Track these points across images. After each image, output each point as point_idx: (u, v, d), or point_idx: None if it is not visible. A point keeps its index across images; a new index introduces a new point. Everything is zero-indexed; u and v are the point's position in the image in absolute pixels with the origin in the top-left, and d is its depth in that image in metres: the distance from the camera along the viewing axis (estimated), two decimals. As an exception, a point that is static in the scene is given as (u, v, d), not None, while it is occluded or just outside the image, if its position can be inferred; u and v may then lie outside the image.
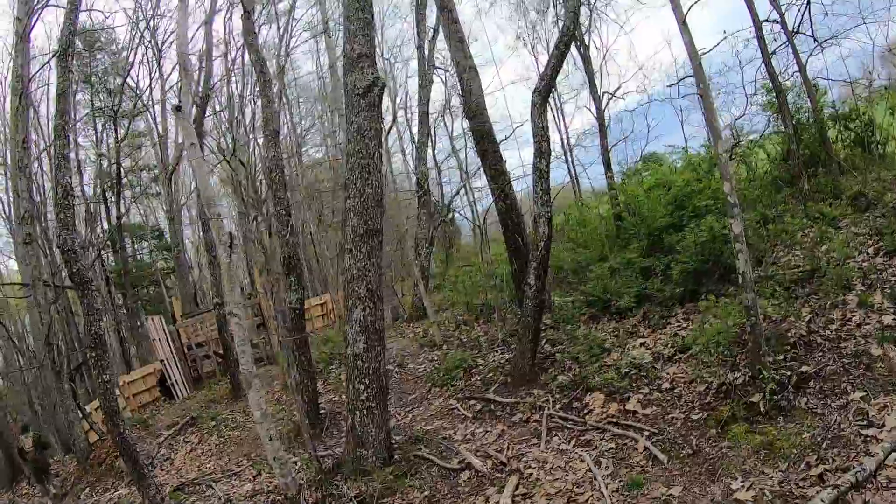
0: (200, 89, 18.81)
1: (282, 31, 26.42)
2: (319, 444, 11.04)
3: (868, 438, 5.90)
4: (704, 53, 7.36)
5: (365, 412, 8.27)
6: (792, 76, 14.81)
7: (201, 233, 28.87)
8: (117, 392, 21.41)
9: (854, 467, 5.47)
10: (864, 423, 6.09)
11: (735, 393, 7.09)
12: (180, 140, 20.63)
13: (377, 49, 29.47)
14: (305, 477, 8.68)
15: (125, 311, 29.84)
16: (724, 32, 16.54)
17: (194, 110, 17.96)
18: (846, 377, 6.75)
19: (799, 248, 10.49)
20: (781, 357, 7.30)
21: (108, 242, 30.82)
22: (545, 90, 10.08)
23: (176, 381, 21.62)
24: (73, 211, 11.09)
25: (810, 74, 14.36)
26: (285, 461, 8.22)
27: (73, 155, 29.42)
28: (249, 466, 11.25)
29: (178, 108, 9.09)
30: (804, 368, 7.02)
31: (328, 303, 28.56)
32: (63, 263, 12.68)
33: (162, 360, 21.63)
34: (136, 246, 35.47)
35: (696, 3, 7.30)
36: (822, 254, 9.75)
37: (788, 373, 6.95)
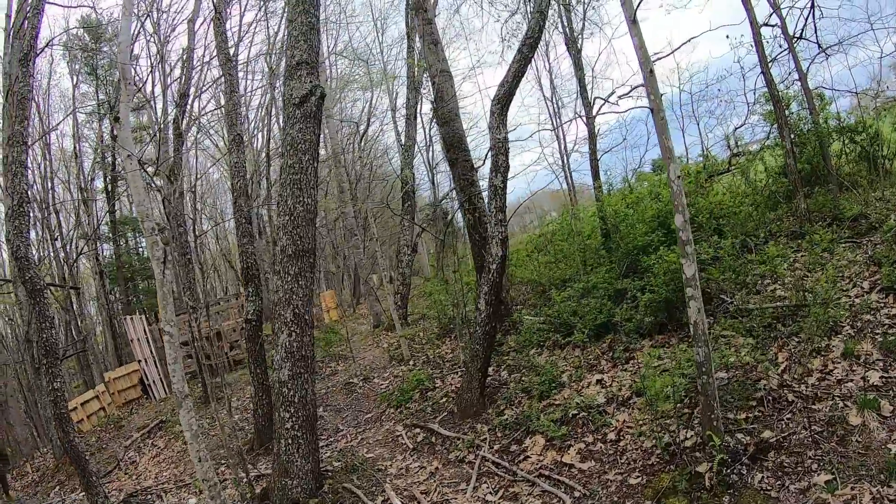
0: (179, 88, 18.43)
1: (277, 28, 25.84)
2: (267, 460, 10.66)
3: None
4: (658, 59, 6.48)
5: (290, 441, 7.84)
6: (793, 84, 13.88)
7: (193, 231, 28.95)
8: (102, 388, 21.44)
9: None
10: (824, 520, 5.07)
11: (681, 458, 6.13)
12: (170, 134, 20.12)
13: (379, 48, 29.20)
14: (240, 497, 8.41)
15: (119, 306, 29.60)
16: (727, 37, 15.71)
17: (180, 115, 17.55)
18: (814, 451, 5.65)
19: (790, 276, 9.56)
20: (743, 416, 6.39)
21: (109, 235, 30.69)
22: (504, 98, 9.30)
23: (154, 381, 21.32)
24: (27, 219, 10.89)
25: (814, 83, 13.44)
26: (214, 483, 7.90)
27: (75, 147, 29.44)
28: (198, 480, 10.94)
29: (116, 119, 8.59)
30: (766, 435, 5.98)
31: (325, 301, 28.28)
32: (17, 271, 12.37)
33: (139, 361, 21.33)
34: (136, 240, 35.31)
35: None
36: (812, 284, 8.63)
37: (746, 439, 5.99)
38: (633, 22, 6.13)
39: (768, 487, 5.46)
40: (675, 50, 7.44)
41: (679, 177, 6.12)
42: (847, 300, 8.12)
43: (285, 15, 24.07)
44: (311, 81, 8.06)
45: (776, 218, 12.84)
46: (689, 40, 7.67)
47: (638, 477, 6.31)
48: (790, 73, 13.92)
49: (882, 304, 7.76)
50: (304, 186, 7.88)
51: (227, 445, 9.83)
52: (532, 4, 9.83)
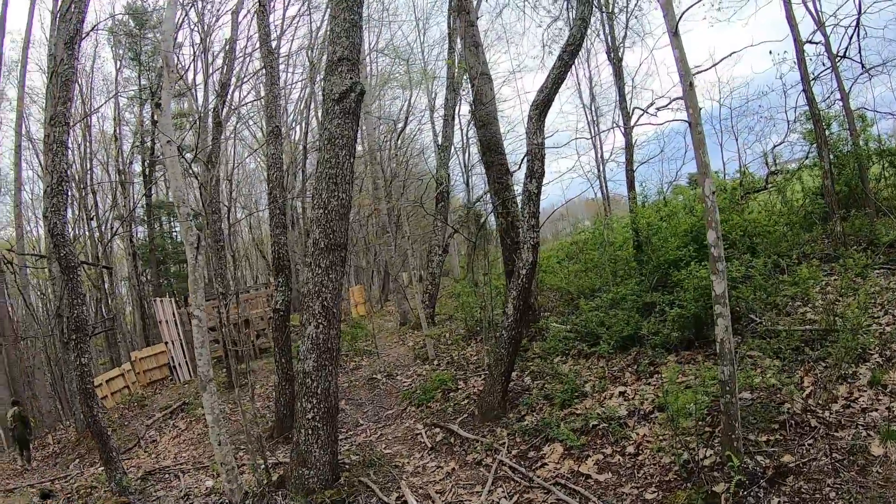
0: (220, 78, 18.68)
1: (319, 22, 26.03)
2: (287, 449, 10.74)
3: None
4: (699, 72, 6.42)
5: (310, 431, 7.90)
6: (835, 104, 13.66)
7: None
8: (128, 367, 21.86)
9: None
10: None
11: (699, 476, 6.05)
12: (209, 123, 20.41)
13: (420, 48, 29.26)
14: (257, 483, 8.39)
15: (149, 288, 30.12)
16: (770, 53, 15.49)
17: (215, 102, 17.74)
18: (833, 479, 5.54)
19: (820, 299, 9.42)
20: (764, 439, 6.32)
21: (144, 218, 31.23)
22: (543, 103, 9.28)
23: (179, 363, 21.67)
24: (65, 197, 11.09)
25: (856, 104, 13.23)
26: (232, 467, 8.08)
27: (116, 130, 30.06)
28: (216, 463, 11.07)
29: (157, 105, 8.76)
30: (786, 459, 5.91)
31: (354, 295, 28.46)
32: (52, 248, 12.65)
33: (166, 343, 21.70)
34: (170, 223, 35.90)
35: (689, 8, 6.23)
36: (842, 310, 8.45)
37: (766, 461, 5.92)
38: (674, 34, 6.10)
39: (785, 513, 5.36)
40: (716, 64, 7.37)
41: (713, 192, 6.08)
42: (878, 328, 8.01)
43: (328, 11, 24.40)
44: (350, 78, 8.12)
45: (810, 239, 12.66)
46: (730, 55, 7.55)
47: (654, 492, 6.27)
48: (832, 93, 13.74)
49: (913, 336, 7.60)
50: (339, 181, 7.95)
51: (248, 431, 9.94)
52: (574, 11, 9.80)
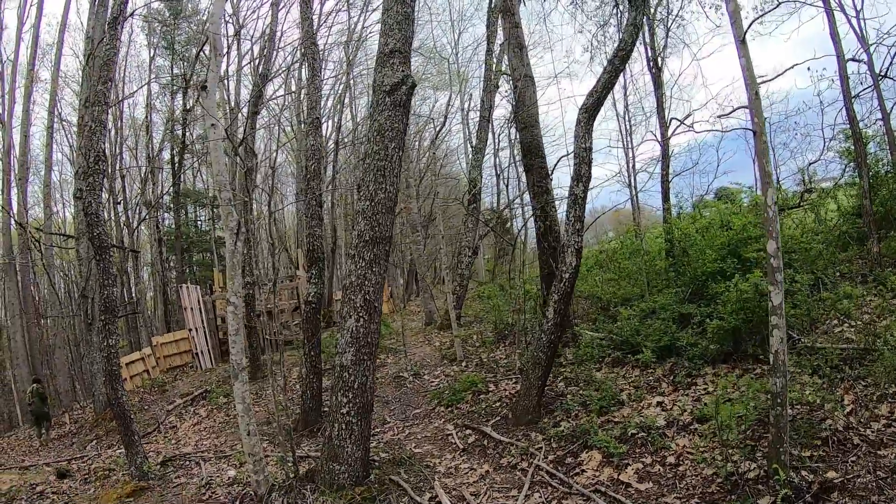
0: (261, 69, 18.83)
1: (356, 19, 26.15)
2: (311, 443, 10.69)
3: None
4: (764, 81, 6.35)
5: (344, 426, 7.77)
6: (874, 123, 13.48)
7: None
8: (148, 351, 22.03)
9: None
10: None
11: (743, 489, 5.99)
12: (244, 112, 20.55)
13: (453, 49, 29.33)
14: (282, 476, 8.39)
15: (173, 274, 30.34)
16: (808, 70, 15.34)
17: (234, 88, 17.76)
18: (877, 496, 5.48)
19: (855, 320, 9.31)
20: (808, 454, 6.24)
21: (171, 206, 31.48)
22: (592, 107, 9.22)
23: (202, 351, 21.82)
24: (102, 176, 11.13)
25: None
26: (260, 458, 7.99)
27: (147, 116, 30.37)
28: (240, 452, 11.02)
29: (203, 87, 8.76)
30: (830, 475, 5.84)
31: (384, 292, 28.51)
32: (86, 226, 12.73)
33: (190, 330, 21.83)
34: (196, 212, 36.18)
35: (757, 18, 6.16)
36: (880, 330, 8.42)
37: (811, 477, 5.85)
38: (741, 42, 6.05)
39: (830, 528, 5.30)
40: (780, 75, 7.35)
41: (775, 203, 6.03)
42: (918, 350, 7.89)
43: (366, 8, 24.45)
44: (402, 71, 8.09)
45: (846, 259, 12.50)
46: (792, 66, 7.54)
47: (697, 503, 6.19)
48: (871, 112, 13.58)
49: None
50: (387, 174, 7.91)
51: (279, 422, 9.92)
52: (627, 16, 9.74)
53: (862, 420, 6.67)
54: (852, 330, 8.93)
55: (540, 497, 7.08)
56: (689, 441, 7.32)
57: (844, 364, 7.94)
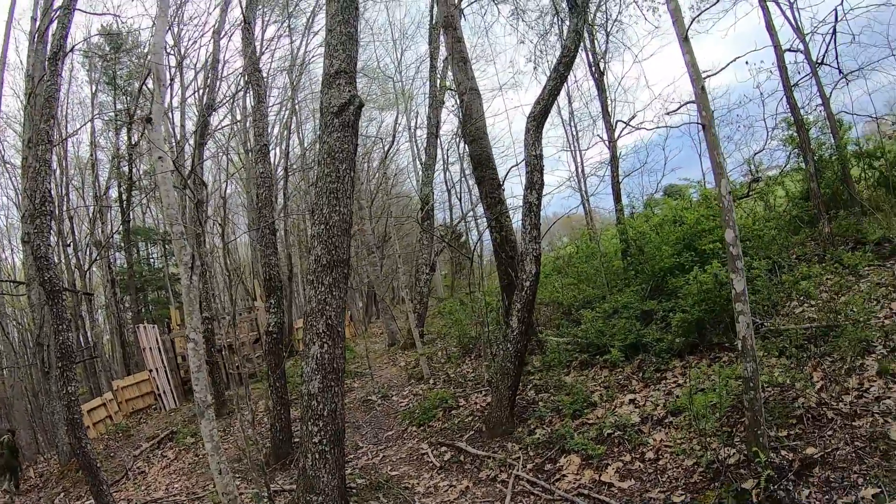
0: (205, 99, 18.56)
1: (298, 44, 26.02)
2: (285, 476, 10.43)
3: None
4: (709, 76, 6.45)
5: (317, 456, 7.53)
6: (815, 110, 13.90)
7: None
8: (109, 396, 21.33)
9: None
10: (877, 532, 4.96)
11: (726, 475, 6.03)
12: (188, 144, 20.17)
13: (397, 68, 29.47)
14: None
15: (129, 315, 29.54)
16: (747, 63, 15.75)
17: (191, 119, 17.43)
18: (858, 466, 5.59)
19: (815, 299, 9.53)
20: (784, 434, 6.32)
21: (122, 245, 30.71)
22: (540, 114, 9.30)
23: (164, 391, 21.24)
24: (49, 218, 10.75)
25: (834, 109, 13.44)
26: (234, 497, 7.70)
27: (92, 154, 29.62)
28: (213, 493, 10.68)
29: (148, 120, 8.54)
30: (809, 451, 5.93)
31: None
32: (35, 271, 12.29)
33: (150, 370, 21.25)
34: (148, 250, 35.32)
35: (697, 16, 6.27)
36: (840, 307, 8.66)
37: (790, 455, 5.92)
38: (685, 39, 6.15)
39: (816, 502, 5.40)
40: (723, 69, 7.47)
41: (730, 192, 6.14)
42: (877, 321, 8.12)
43: (306, 33, 24.35)
44: (349, 91, 8.01)
45: (799, 242, 12.81)
46: (734, 59, 7.68)
47: (682, 495, 6.20)
48: (811, 99, 13.97)
49: (913, 325, 7.70)
50: (340, 196, 7.79)
51: (250, 458, 9.64)
52: (568, 23, 9.84)
53: (833, 395, 6.80)
54: (813, 309, 9.12)
55: (524, 506, 7.02)
56: (665, 435, 7.36)
57: (809, 343, 8.11)
